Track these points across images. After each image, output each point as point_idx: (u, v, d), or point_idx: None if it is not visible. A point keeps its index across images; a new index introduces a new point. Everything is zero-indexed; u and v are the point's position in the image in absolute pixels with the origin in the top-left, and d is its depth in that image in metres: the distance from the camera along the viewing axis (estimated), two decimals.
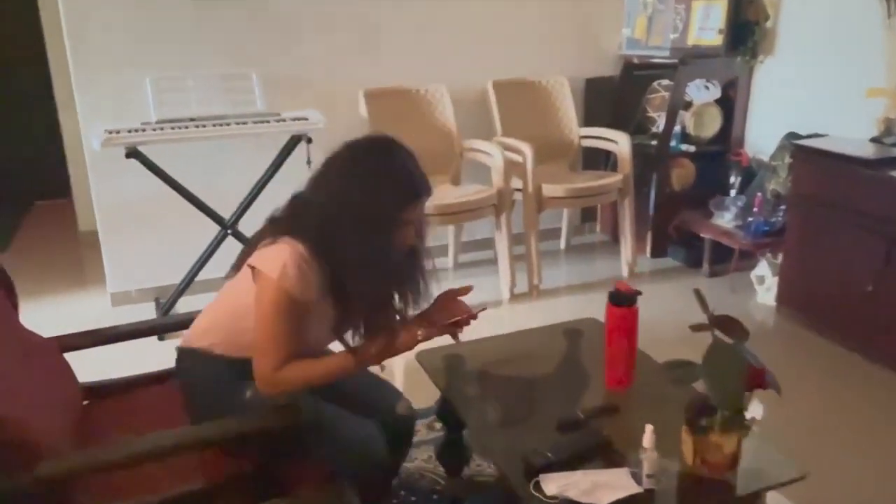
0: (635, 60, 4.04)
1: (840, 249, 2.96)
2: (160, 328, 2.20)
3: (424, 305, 1.69)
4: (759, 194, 3.52)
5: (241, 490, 1.51)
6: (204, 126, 3.06)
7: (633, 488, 1.39)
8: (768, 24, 3.71)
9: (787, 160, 3.39)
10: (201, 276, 3.28)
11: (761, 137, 3.84)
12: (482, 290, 3.55)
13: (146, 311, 3.39)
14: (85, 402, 1.78)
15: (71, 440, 1.54)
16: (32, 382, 1.54)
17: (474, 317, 1.66)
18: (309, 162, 3.05)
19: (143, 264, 3.47)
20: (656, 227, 3.94)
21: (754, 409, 1.51)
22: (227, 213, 3.28)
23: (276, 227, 1.57)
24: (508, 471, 1.49)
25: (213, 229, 3.28)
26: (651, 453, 1.39)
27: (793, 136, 3.42)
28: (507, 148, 3.52)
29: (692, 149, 3.93)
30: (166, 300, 3.33)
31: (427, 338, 1.58)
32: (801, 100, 3.62)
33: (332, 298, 1.53)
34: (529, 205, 3.52)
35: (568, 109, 3.95)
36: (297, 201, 1.59)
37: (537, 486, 1.40)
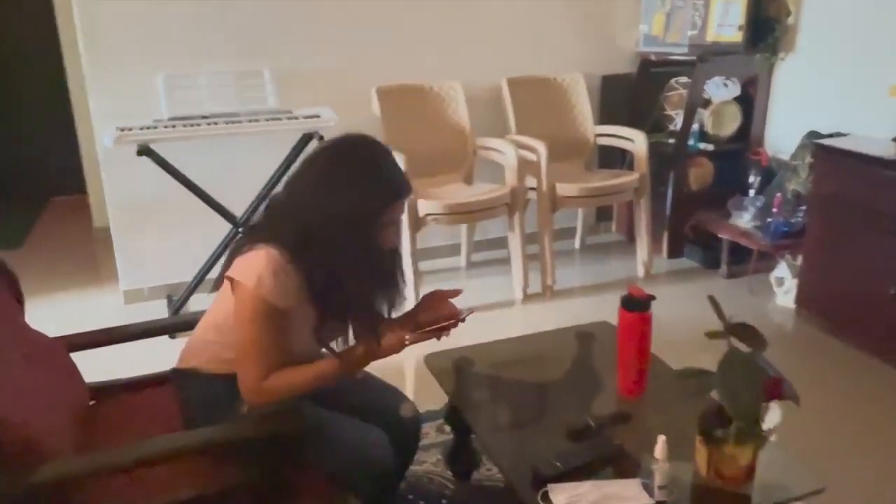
0: (653, 57, 3.98)
1: (862, 252, 2.89)
2: (171, 327, 2.18)
3: (403, 307, 1.66)
4: (779, 194, 3.46)
5: (245, 498, 1.49)
6: (216, 123, 3.05)
7: (645, 500, 1.35)
8: (789, 20, 3.65)
9: (808, 160, 3.33)
10: (213, 273, 3.27)
11: (781, 136, 3.77)
12: (495, 290, 3.58)
13: (158, 309, 3.39)
14: (91, 403, 1.78)
15: (74, 442, 1.53)
16: (35, 383, 1.53)
17: (462, 320, 1.62)
18: None
19: (155, 262, 3.47)
20: (673, 228, 3.88)
21: (771, 420, 1.46)
22: (238, 211, 3.27)
23: (254, 234, 1.53)
24: (515, 480, 1.46)
25: (225, 227, 3.27)
26: (663, 465, 1.35)
27: (814, 135, 3.36)
28: (521, 146, 3.48)
29: (710, 147, 3.87)
30: (178, 298, 3.33)
31: (414, 342, 1.54)
32: (822, 98, 3.55)
33: (312, 304, 1.50)
34: (543, 204, 3.48)
35: (583, 107, 3.90)
36: (273, 206, 1.56)
37: (545, 497, 1.37)
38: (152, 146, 2.98)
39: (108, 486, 1.45)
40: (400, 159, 3.20)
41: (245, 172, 3.39)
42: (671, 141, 3.86)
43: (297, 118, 3.17)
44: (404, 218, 1.57)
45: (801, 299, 3.23)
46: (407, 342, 1.53)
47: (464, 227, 3.83)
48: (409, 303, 1.73)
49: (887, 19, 3.14)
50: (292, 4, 3.39)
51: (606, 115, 4.03)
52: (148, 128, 2.99)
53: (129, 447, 1.46)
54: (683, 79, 3.95)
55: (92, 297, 3.60)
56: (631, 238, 3.97)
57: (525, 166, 3.43)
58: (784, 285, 3.38)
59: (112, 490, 1.45)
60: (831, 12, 3.48)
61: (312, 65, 3.48)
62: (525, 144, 3.50)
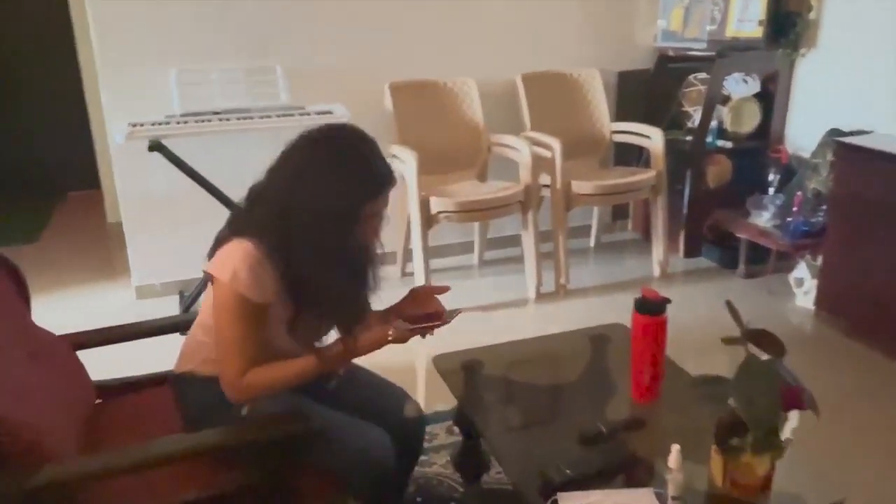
0: (671, 53, 3.93)
1: (884, 252, 2.83)
2: (182, 325, 2.16)
3: (377, 303, 1.62)
4: (799, 193, 3.39)
5: (246, 500, 1.46)
6: (228, 119, 3.04)
7: None
8: (811, 15, 3.57)
9: (829, 158, 3.27)
10: None
11: (802, 134, 3.70)
12: (508, 288, 3.55)
13: (170, 304, 3.39)
14: (98, 401, 1.76)
15: (79, 441, 1.51)
16: (39, 383, 1.51)
17: (446, 321, 1.57)
18: None
19: (167, 258, 3.46)
20: (690, 226, 3.83)
21: (790, 429, 1.41)
22: None
23: (234, 225, 1.50)
24: (524, 487, 1.42)
25: None
26: (677, 474, 1.31)
27: (835, 132, 3.29)
28: (535, 143, 3.43)
29: (729, 145, 3.81)
30: (189, 293, 3.32)
31: (397, 340, 1.49)
32: (844, 95, 3.48)
33: (290, 297, 1.46)
34: (557, 202, 3.44)
35: (599, 103, 3.85)
36: (252, 195, 1.52)
37: None
38: (164, 142, 2.97)
39: (111, 487, 1.43)
40: (412, 156, 3.21)
41: (256, 168, 3.32)
42: (689, 138, 3.80)
43: (309, 114, 3.15)
44: (396, 213, 1.52)
45: (820, 301, 3.16)
46: (390, 338, 1.49)
47: (477, 225, 3.79)
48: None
49: None
50: (305, 1, 3.36)
51: (623, 111, 3.97)
52: (159, 123, 2.98)
53: (133, 449, 1.45)
54: (702, 75, 3.89)
55: (105, 292, 3.61)
56: (647, 237, 3.92)
57: (539, 163, 3.38)
58: (804, 286, 3.31)
59: (115, 491, 1.43)
60: (854, 7, 3.40)
61: (325, 61, 3.46)
62: (539, 141, 3.46)
